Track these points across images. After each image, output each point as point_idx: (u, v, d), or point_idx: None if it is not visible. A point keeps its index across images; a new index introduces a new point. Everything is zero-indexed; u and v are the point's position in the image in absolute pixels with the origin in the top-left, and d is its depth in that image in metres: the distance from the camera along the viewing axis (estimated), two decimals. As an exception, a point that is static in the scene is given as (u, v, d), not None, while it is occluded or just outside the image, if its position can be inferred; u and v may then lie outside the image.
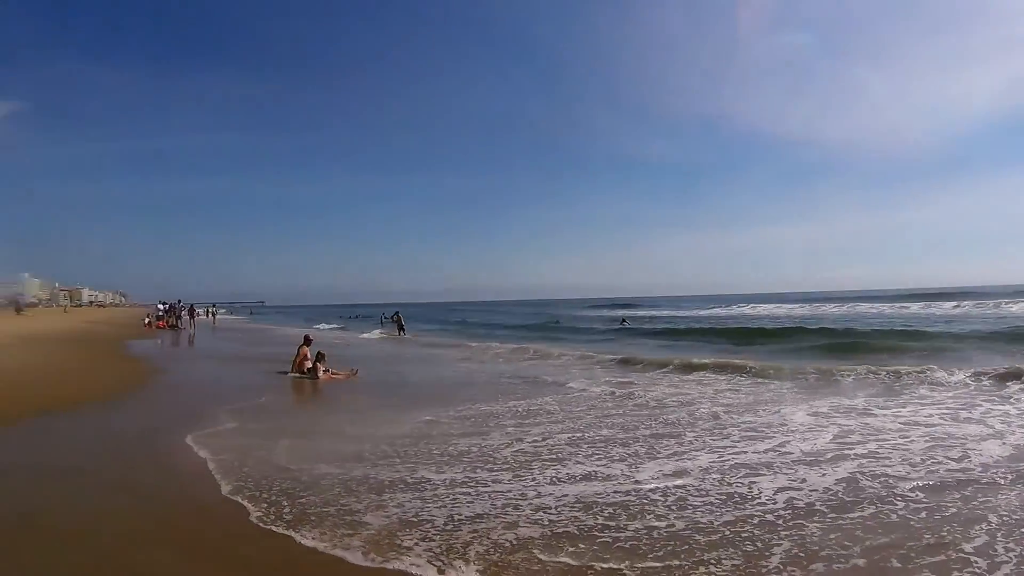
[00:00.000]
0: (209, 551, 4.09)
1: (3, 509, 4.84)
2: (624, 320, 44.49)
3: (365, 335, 33.71)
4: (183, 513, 4.90)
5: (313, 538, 4.26)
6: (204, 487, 5.51)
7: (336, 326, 46.20)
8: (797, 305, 67.84)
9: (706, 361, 14.91)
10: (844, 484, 5.52)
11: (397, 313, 38.07)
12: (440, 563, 3.88)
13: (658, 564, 3.89)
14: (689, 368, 14.37)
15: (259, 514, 4.75)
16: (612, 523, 4.62)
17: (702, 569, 3.82)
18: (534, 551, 4.08)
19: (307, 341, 14.44)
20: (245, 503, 5.02)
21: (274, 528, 4.48)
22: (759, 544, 4.21)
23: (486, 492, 5.38)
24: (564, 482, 5.68)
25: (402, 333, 33.48)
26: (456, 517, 4.74)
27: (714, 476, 5.81)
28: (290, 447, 6.97)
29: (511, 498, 5.21)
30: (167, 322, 39.36)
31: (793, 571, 3.80)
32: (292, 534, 4.35)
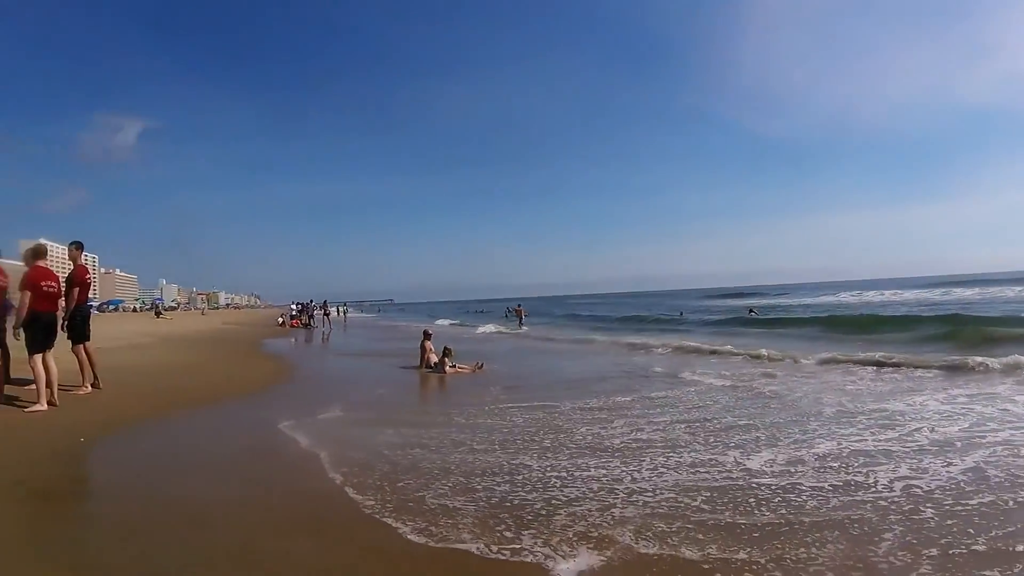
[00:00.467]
0: (331, 538, 4.21)
1: (154, 498, 5.08)
2: (752, 310, 42.80)
3: (481, 329, 34.13)
4: (302, 500, 5.07)
5: (418, 531, 4.28)
6: (317, 475, 5.72)
7: (454, 321, 47.07)
8: (925, 290, 63.52)
9: (836, 355, 14.02)
10: (970, 473, 5.17)
11: (519, 306, 38.67)
12: (563, 551, 3.86)
13: (754, 547, 3.82)
14: (821, 360, 13.72)
15: (371, 503, 4.87)
16: (707, 507, 4.58)
17: (802, 551, 3.72)
18: (627, 534, 4.10)
19: (427, 336, 14.89)
20: (352, 491, 5.17)
21: (384, 519, 4.53)
22: (867, 529, 4.04)
23: (588, 477, 5.43)
24: (672, 469, 5.62)
25: (522, 327, 33.83)
26: (553, 501, 4.81)
27: (831, 464, 5.60)
28: (398, 435, 7.22)
29: (608, 482, 5.24)
30: (300, 321, 41.07)
31: (903, 556, 3.63)
32: (399, 525, 4.39)
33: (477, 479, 5.44)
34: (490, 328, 34.45)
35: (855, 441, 6.39)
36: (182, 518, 4.52)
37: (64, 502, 4.94)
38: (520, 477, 5.49)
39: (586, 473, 5.55)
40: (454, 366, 13.80)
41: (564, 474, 5.54)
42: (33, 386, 8.38)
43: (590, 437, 6.97)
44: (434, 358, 14.07)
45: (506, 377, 13.05)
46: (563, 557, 3.77)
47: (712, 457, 5.98)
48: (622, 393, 10.15)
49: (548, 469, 5.71)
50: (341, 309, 56.97)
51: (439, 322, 43.63)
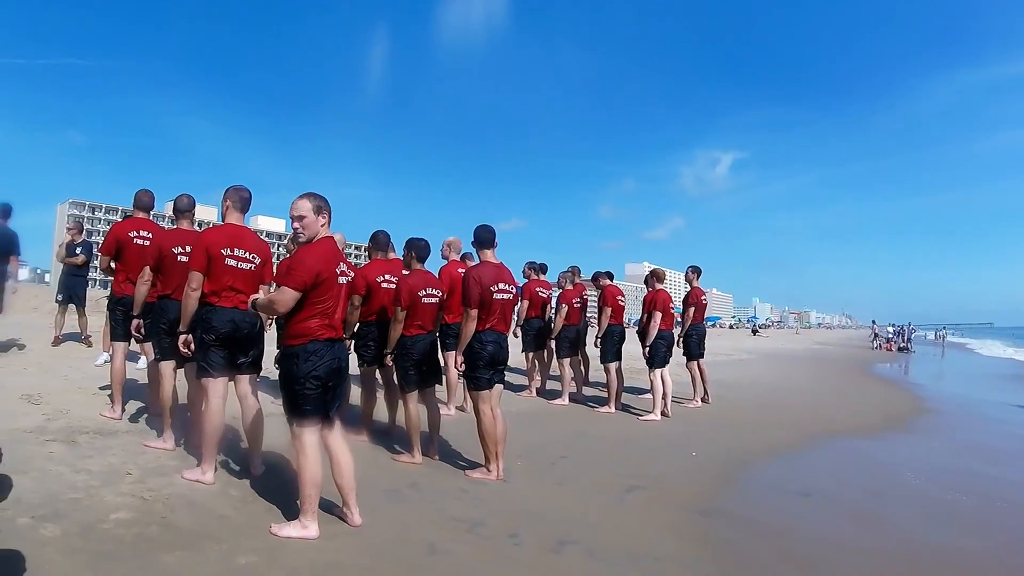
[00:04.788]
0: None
1: (760, 525, 4.80)
2: None
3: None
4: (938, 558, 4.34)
5: None
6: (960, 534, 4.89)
7: None
8: None
9: None
10: None
11: None
12: None
13: None
14: None
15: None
16: None
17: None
18: None
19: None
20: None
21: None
22: None
23: None
24: None
25: None
26: None
27: None
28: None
29: None
30: (895, 344, 37.55)
31: None
32: None
33: None
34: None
35: None
36: (784, 553, 4.23)
37: (676, 512, 4.88)
38: None
39: None
40: None
41: None
42: (648, 396, 8.93)
43: None
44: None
45: None
46: None
47: None
48: None
49: None
50: (939, 333, 53.87)
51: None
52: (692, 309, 9.67)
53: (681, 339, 9.72)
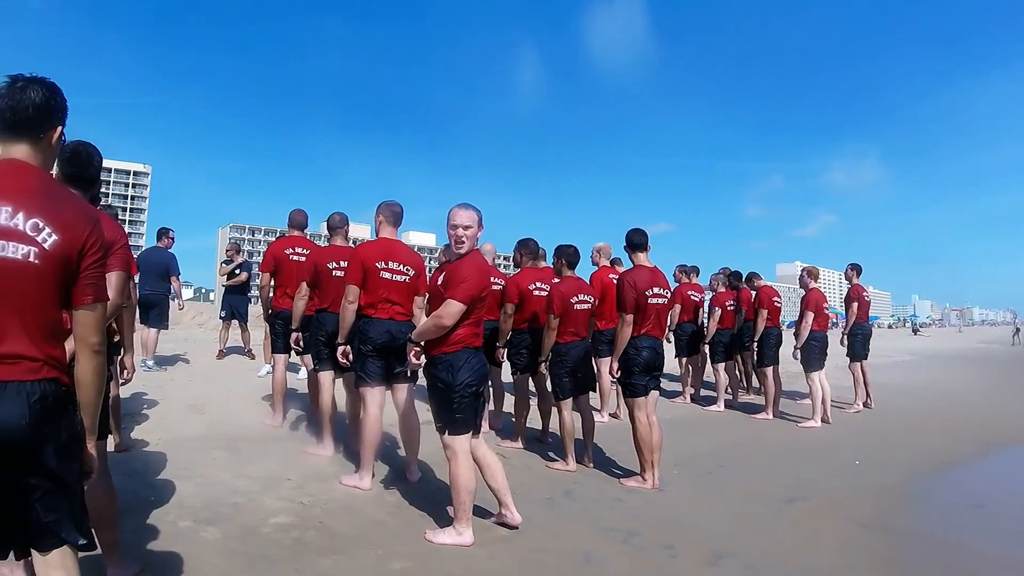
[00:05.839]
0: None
1: (938, 541, 4.48)
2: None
3: None
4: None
5: None
6: None
7: None
8: None
9: None
10: None
11: None
12: None
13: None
14: None
15: None
16: None
17: None
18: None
19: None
20: None
21: None
22: None
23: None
24: None
25: None
26: None
27: None
28: None
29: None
30: None
31: None
32: None
33: None
34: None
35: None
36: (958, 572, 3.89)
37: (840, 525, 4.60)
38: None
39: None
40: None
41: None
42: (806, 401, 8.57)
43: None
44: None
45: None
46: None
47: None
48: None
49: None
50: None
51: None
52: (855, 305, 9.26)
53: (846, 337, 9.36)
